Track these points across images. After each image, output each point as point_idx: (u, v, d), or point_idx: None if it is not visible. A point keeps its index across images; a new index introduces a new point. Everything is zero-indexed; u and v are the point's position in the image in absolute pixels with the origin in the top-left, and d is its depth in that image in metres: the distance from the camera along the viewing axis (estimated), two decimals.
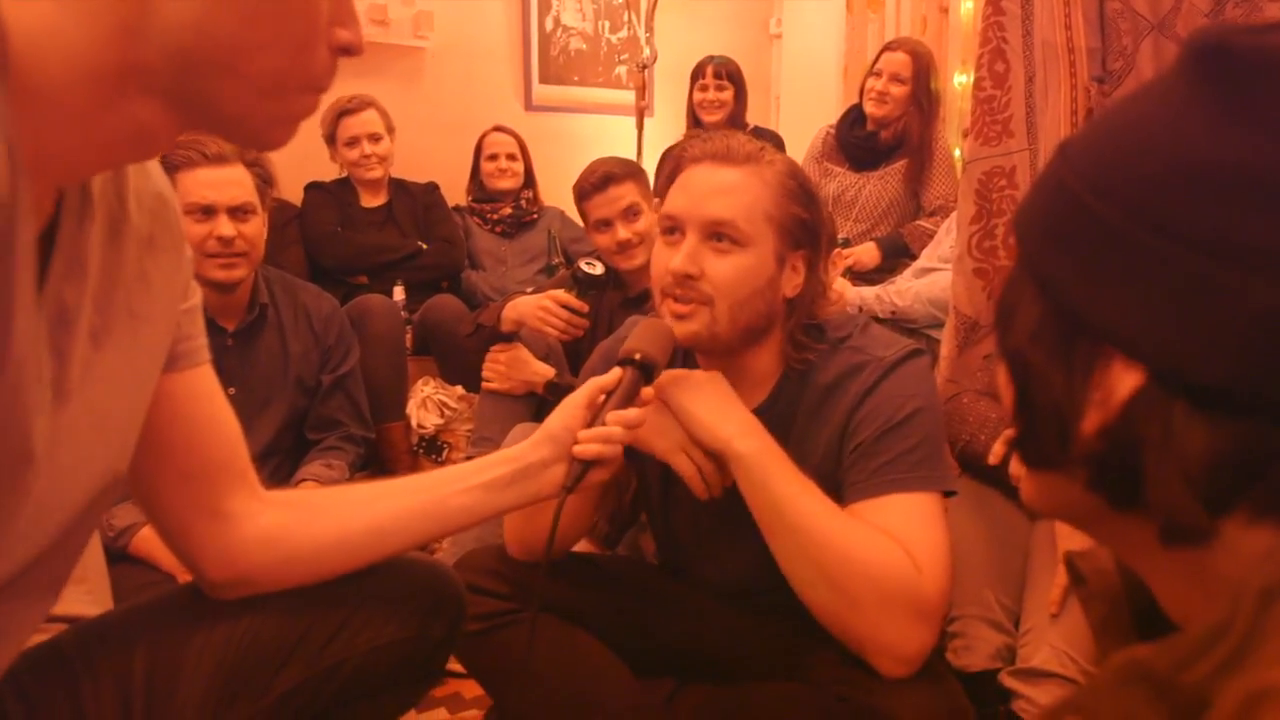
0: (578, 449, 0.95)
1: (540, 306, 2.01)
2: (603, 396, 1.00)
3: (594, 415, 0.98)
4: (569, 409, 0.99)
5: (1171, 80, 0.45)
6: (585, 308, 2.01)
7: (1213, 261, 0.40)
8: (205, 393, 0.81)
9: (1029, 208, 0.50)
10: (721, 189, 1.09)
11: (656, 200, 2.08)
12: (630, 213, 2.01)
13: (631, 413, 0.98)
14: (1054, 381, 0.46)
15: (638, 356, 1.01)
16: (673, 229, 1.11)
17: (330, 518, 0.89)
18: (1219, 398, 0.41)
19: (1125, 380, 0.43)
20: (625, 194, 2.00)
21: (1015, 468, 0.57)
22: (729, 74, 3.13)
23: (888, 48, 2.83)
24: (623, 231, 2.00)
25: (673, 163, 1.15)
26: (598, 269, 2.02)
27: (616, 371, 1.02)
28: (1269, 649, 0.39)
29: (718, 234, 1.08)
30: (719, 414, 1.06)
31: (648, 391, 1.02)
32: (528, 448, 0.97)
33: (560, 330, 2.00)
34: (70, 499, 0.64)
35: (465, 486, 0.93)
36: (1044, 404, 0.47)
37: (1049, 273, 0.46)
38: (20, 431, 0.56)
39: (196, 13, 0.53)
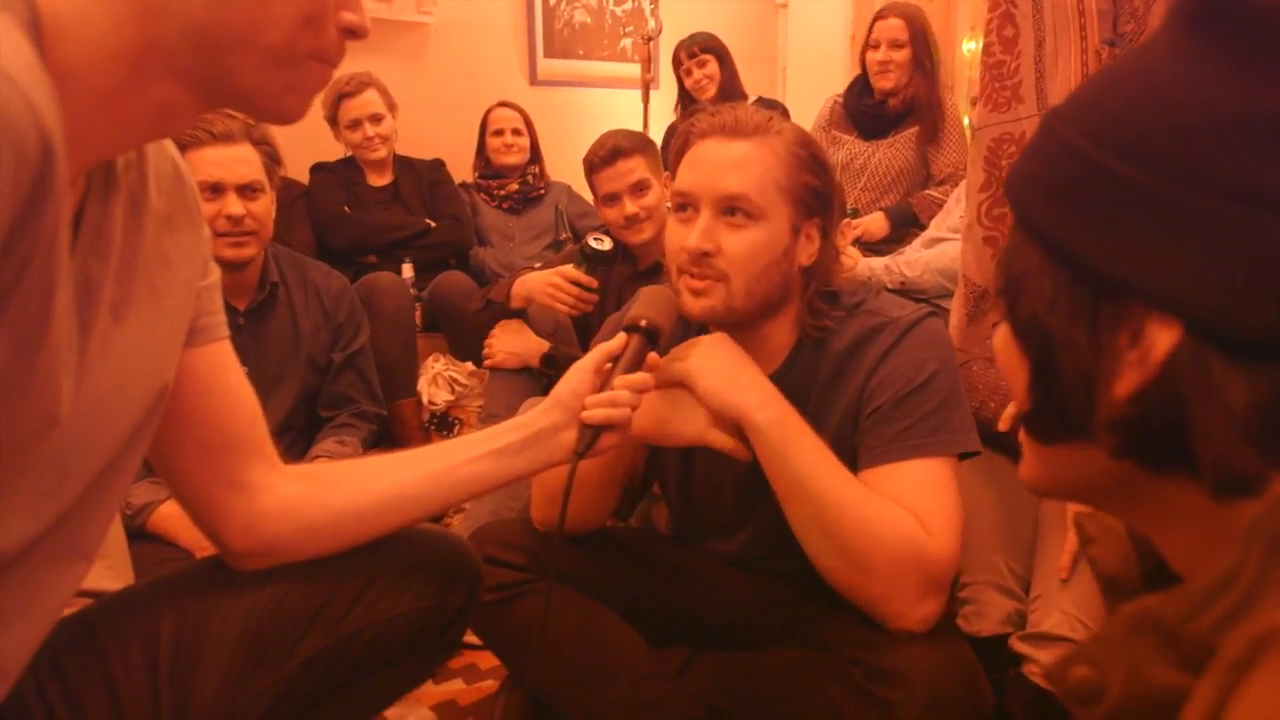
0: (586, 414, 0.96)
1: (549, 283, 2.01)
2: (609, 363, 1.01)
3: (602, 381, 0.99)
4: (576, 375, 1.00)
5: (1172, 35, 0.45)
6: (595, 283, 2.01)
7: (1245, 209, 0.40)
8: (223, 367, 0.84)
9: (1026, 174, 0.49)
10: (732, 163, 1.08)
11: (667, 175, 2.07)
12: (638, 188, 1.99)
13: (638, 376, 0.99)
14: (1079, 347, 0.45)
15: (643, 323, 1.02)
16: (685, 206, 1.11)
17: (346, 488, 0.91)
18: (1256, 346, 0.40)
19: (1162, 337, 0.42)
20: (634, 168, 1.99)
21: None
22: (704, 47, 3.10)
23: (879, 16, 2.81)
24: (630, 206, 1.99)
25: (681, 139, 1.14)
26: (606, 244, 2.02)
27: (622, 337, 1.02)
28: (1276, 595, 0.40)
29: (731, 208, 1.08)
30: (734, 384, 1.05)
31: (653, 357, 1.02)
32: (538, 414, 0.98)
33: (570, 306, 2.01)
34: (90, 460, 0.67)
35: (477, 454, 0.94)
36: (1069, 372, 0.46)
37: (1062, 236, 0.46)
38: (53, 396, 0.59)
39: None
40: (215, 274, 0.82)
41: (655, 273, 2.00)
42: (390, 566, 0.91)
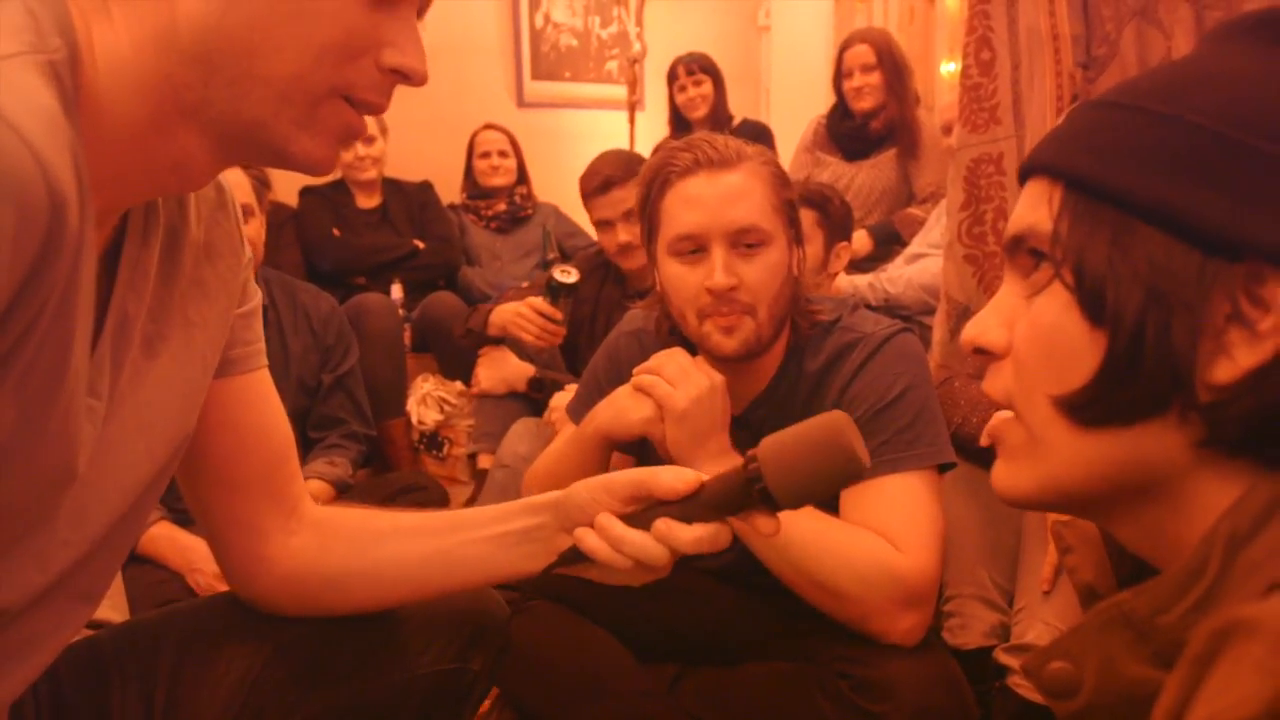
0: (581, 534, 0.73)
1: (517, 313, 2.01)
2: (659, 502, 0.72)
3: (644, 507, 0.72)
4: (608, 488, 0.74)
5: (1248, 44, 0.47)
6: (559, 315, 2.00)
7: None
8: (253, 402, 0.79)
9: (1098, 145, 0.48)
10: (733, 195, 1.08)
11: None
12: (631, 215, 1.97)
13: (699, 531, 0.69)
14: (1194, 312, 0.44)
15: (760, 485, 0.67)
16: (695, 249, 1.09)
17: (346, 548, 0.83)
18: None
19: None
20: (626, 197, 1.96)
21: (1037, 429, 0.50)
22: (702, 67, 3.13)
23: (845, 47, 2.87)
24: (623, 234, 2.00)
25: (658, 177, 1.12)
26: (572, 277, 2.00)
27: (692, 478, 0.71)
28: (1238, 590, 0.42)
29: (743, 240, 1.08)
30: (695, 446, 1.07)
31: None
32: (550, 502, 0.79)
33: (535, 336, 2.00)
34: (110, 505, 0.64)
35: (481, 535, 0.81)
36: (1173, 342, 0.44)
37: (1173, 202, 0.45)
38: (70, 452, 0.56)
39: (214, 16, 0.54)
40: (255, 299, 0.76)
41: (645, 295, 2.02)
42: (411, 621, 0.85)
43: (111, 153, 0.53)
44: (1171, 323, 0.44)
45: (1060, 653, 0.48)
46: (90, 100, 0.52)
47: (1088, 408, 0.47)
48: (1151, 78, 0.50)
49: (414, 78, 0.60)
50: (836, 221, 2.06)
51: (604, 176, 2.00)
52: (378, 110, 0.61)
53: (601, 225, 2.05)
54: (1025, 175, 0.53)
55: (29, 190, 0.43)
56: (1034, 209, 0.50)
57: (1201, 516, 0.46)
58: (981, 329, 0.53)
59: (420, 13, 0.61)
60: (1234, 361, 0.43)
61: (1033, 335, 0.50)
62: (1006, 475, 0.53)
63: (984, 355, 0.53)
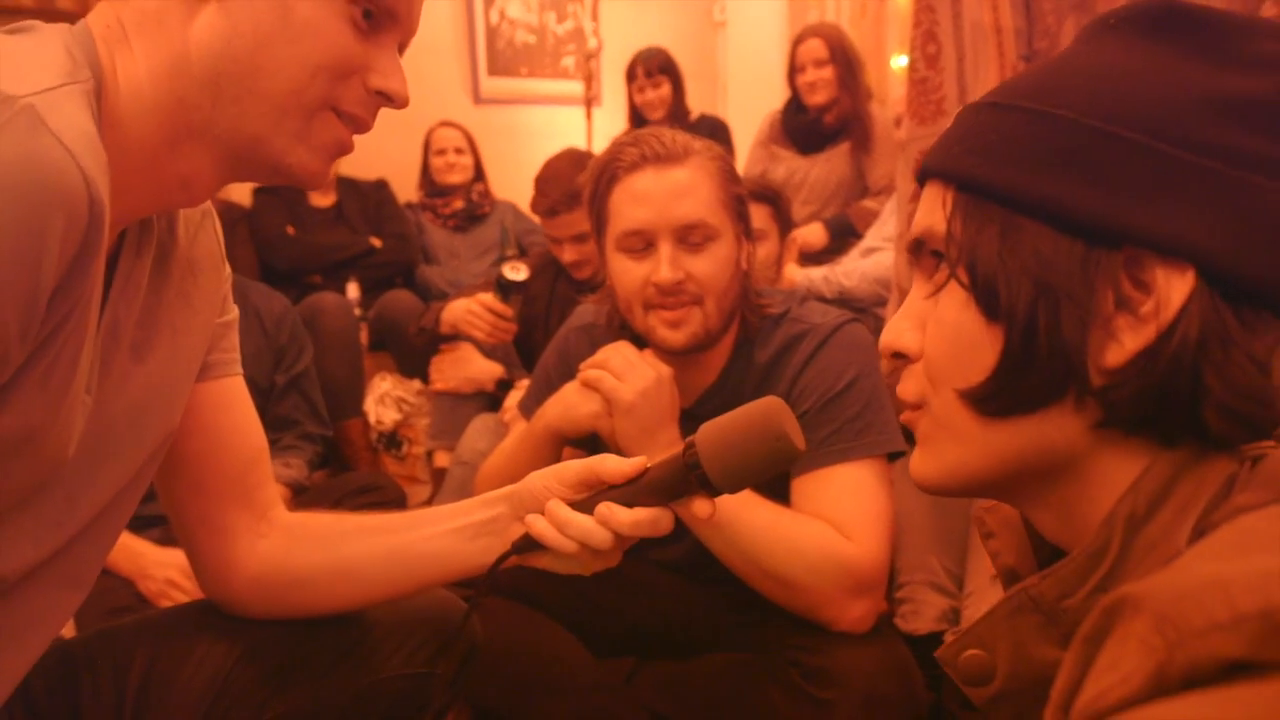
0: (530, 519, 0.75)
1: (468, 310, 2.01)
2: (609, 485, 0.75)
3: (592, 494, 0.74)
4: (560, 476, 0.77)
5: (1122, 35, 0.48)
6: (509, 312, 2.00)
7: (1236, 170, 0.44)
8: (226, 406, 0.82)
9: (980, 147, 0.49)
10: (679, 190, 1.08)
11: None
12: (579, 238, 1.99)
13: (639, 514, 0.71)
14: (1081, 302, 0.45)
15: (699, 472, 0.69)
16: (643, 245, 1.10)
17: (309, 550, 0.85)
18: (1261, 296, 0.44)
19: (1176, 286, 0.44)
20: (573, 222, 1.98)
21: (946, 420, 0.51)
22: (660, 67, 3.13)
23: (799, 41, 2.88)
24: (569, 254, 2.02)
25: (605, 173, 1.12)
26: (521, 274, 2.00)
27: (636, 463, 0.74)
28: (1136, 569, 0.43)
29: (689, 235, 1.09)
30: (645, 438, 1.09)
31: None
32: (505, 495, 0.81)
33: (485, 333, 2.00)
34: (97, 492, 0.68)
35: (438, 530, 0.83)
36: (1064, 331, 0.46)
37: (1055, 196, 0.46)
38: (66, 440, 0.61)
39: (221, 42, 0.60)
40: (232, 312, 0.82)
41: (597, 290, 2.02)
42: (380, 624, 0.87)
43: (128, 170, 0.59)
44: (1060, 313, 0.46)
45: (973, 640, 0.49)
46: (112, 123, 0.59)
47: (990, 400, 0.49)
48: (1027, 77, 0.51)
49: (396, 100, 0.67)
50: (787, 216, 2.09)
51: (550, 202, 1.99)
52: (363, 127, 0.67)
53: (551, 240, 2.07)
54: (922, 180, 0.54)
55: (76, 202, 0.50)
56: (930, 212, 0.52)
57: (1106, 496, 0.47)
58: (896, 334, 0.54)
59: (401, 49, 0.69)
60: (1121, 345, 0.45)
61: (938, 334, 0.51)
62: (920, 464, 0.55)
63: (901, 359, 0.55)
